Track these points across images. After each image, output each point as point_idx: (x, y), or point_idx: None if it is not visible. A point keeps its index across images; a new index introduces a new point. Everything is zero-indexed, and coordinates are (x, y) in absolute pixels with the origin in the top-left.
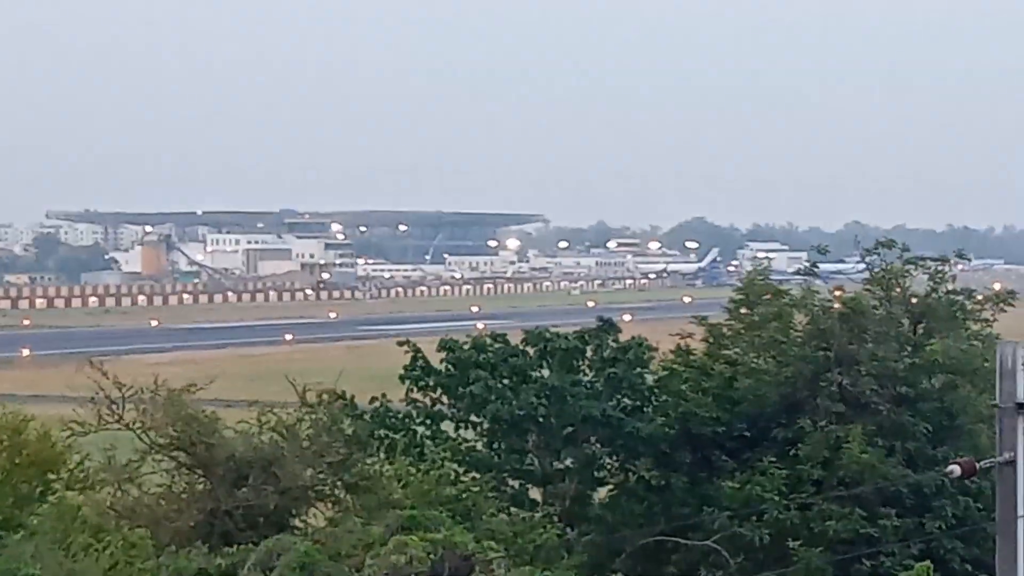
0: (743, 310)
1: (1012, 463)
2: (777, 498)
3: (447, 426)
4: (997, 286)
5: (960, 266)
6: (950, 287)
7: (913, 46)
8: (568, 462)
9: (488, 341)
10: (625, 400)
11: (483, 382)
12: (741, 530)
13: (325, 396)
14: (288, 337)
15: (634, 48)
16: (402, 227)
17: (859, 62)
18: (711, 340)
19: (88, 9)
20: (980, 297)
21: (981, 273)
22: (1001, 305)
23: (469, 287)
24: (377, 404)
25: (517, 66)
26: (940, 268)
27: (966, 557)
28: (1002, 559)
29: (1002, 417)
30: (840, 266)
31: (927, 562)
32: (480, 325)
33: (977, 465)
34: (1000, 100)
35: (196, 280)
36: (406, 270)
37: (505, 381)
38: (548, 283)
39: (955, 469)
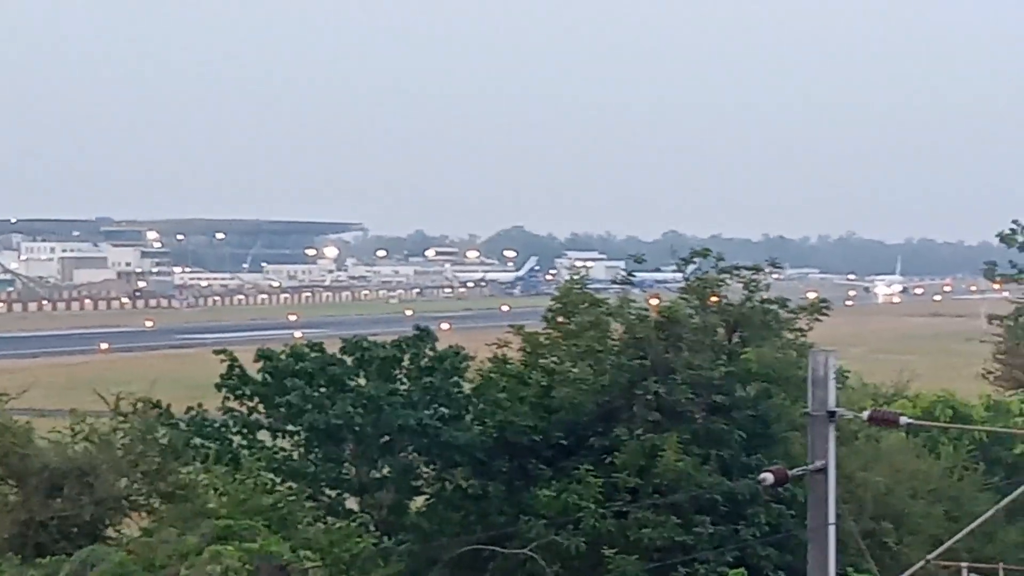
0: (560, 319)
1: (823, 471)
2: (593, 506)
3: (264, 435)
4: (812, 295)
5: (775, 275)
6: (764, 296)
7: (729, 61)
8: (385, 471)
9: (305, 350)
10: (442, 409)
11: (300, 391)
12: (557, 538)
13: (140, 405)
14: (104, 346)
15: (448, 55)
16: (220, 235)
17: (678, 75)
18: (528, 349)
19: None
20: (795, 306)
21: (796, 282)
22: (815, 314)
23: (287, 296)
24: (193, 413)
25: (331, 74)
26: (754, 277)
27: (779, 564)
28: (813, 565)
29: (813, 425)
30: (657, 275)
31: (741, 569)
32: (298, 334)
33: (789, 473)
34: (812, 115)
35: (10, 288)
36: (224, 279)
37: (322, 390)
38: (367, 292)
39: (767, 477)
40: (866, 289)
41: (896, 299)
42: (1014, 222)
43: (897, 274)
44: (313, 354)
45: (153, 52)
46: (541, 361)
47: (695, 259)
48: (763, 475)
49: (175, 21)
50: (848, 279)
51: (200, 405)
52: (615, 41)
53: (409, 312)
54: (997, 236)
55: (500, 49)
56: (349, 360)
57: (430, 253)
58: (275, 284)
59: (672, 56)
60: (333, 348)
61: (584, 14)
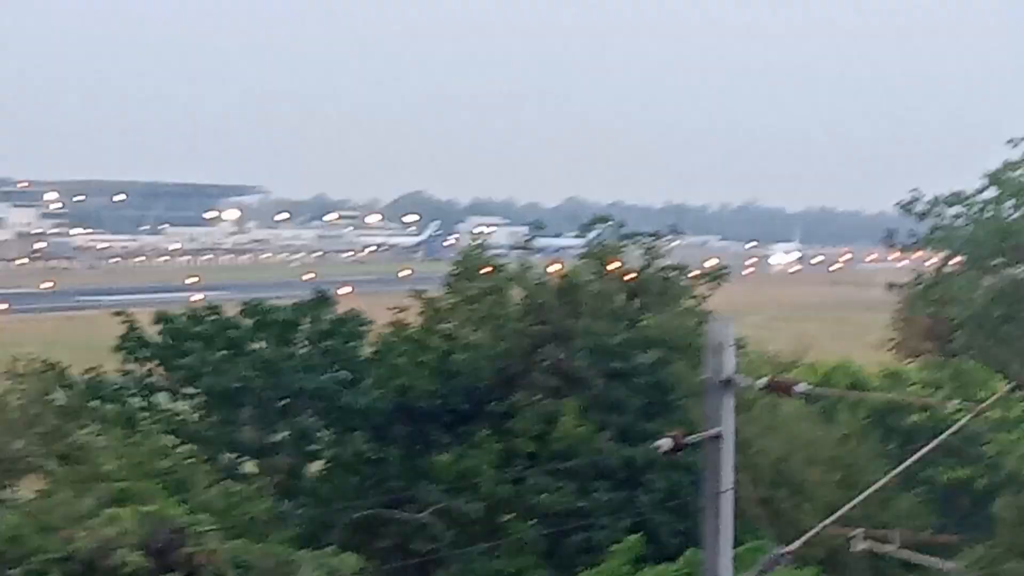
0: (460, 284)
1: (719, 438)
2: (491, 471)
3: (162, 398)
4: (712, 262)
5: (676, 242)
6: (664, 263)
7: (634, 26)
8: (283, 435)
9: (204, 313)
10: (341, 373)
11: (198, 354)
12: (455, 503)
13: (36, 366)
14: (2, 307)
15: (350, 15)
16: (119, 197)
17: (579, 40)
18: (428, 314)
19: None
20: (695, 273)
21: (697, 250)
22: (714, 281)
23: (187, 258)
24: (90, 376)
25: (232, 34)
26: (654, 244)
27: (676, 529)
28: (709, 532)
29: (710, 392)
30: (558, 241)
31: (638, 534)
32: (197, 297)
33: (686, 439)
34: (714, 84)
35: None
36: (123, 241)
37: (220, 353)
38: (267, 255)
39: (664, 443)
40: (761, 257)
41: (793, 268)
42: (913, 191)
43: (795, 242)
44: (212, 317)
45: (47, 9)
46: (441, 326)
47: (595, 225)
48: (660, 441)
49: None
50: (749, 247)
51: (99, 367)
52: (522, 7)
53: (310, 276)
54: (896, 205)
55: (400, 9)
56: (248, 323)
57: (331, 217)
58: (175, 247)
59: (576, 23)
60: (233, 312)
61: None
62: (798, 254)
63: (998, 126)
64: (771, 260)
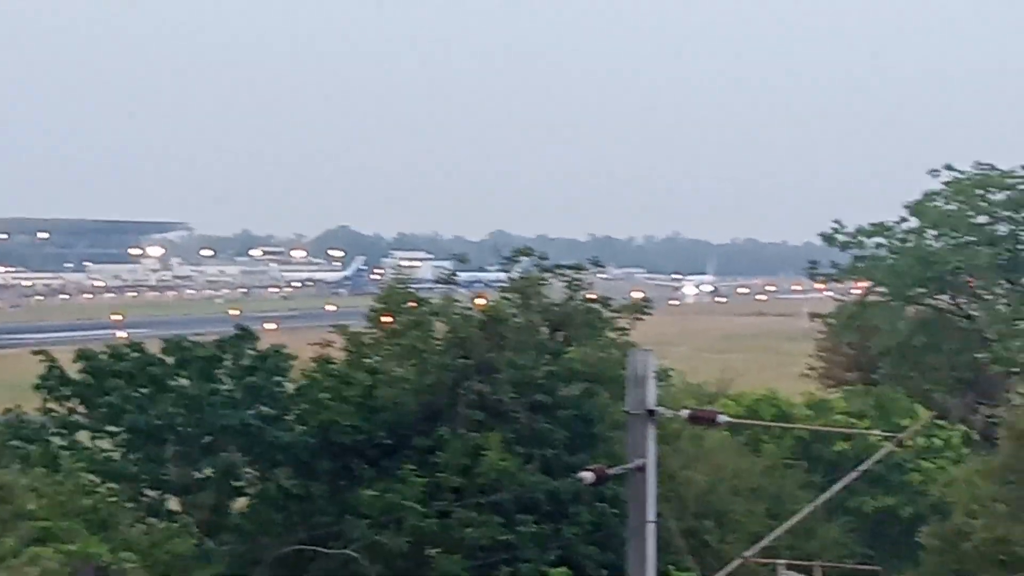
0: (384, 318)
1: (643, 469)
2: (416, 506)
3: (84, 436)
4: (637, 295)
5: (600, 275)
6: (587, 295)
7: (553, 61)
8: (207, 471)
9: (126, 350)
10: (264, 409)
11: (120, 391)
12: (380, 538)
13: None
14: None
15: (270, 50)
16: (42, 235)
17: (502, 75)
18: (352, 349)
19: None
20: (618, 306)
21: (622, 282)
22: (636, 313)
23: (111, 295)
24: (11, 415)
25: (156, 75)
26: (577, 276)
27: (602, 562)
28: (633, 563)
29: (633, 424)
30: (482, 275)
31: (564, 568)
32: (121, 334)
33: (608, 471)
34: (636, 116)
35: None
36: (47, 278)
37: (143, 390)
38: (192, 291)
39: (587, 476)
40: (674, 289)
41: (706, 299)
42: (835, 222)
43: (710, 274)
44: (134, 354)
45: None
46: (365, 361)
47: (519, 258)
48: (583, 474)
49: None
50: (674, 279)
51: (19, 406)
52: (440, 37)
53: (234, 312)
54: (820, 236)
55: (322, 43)
56: (171, 360)
57: (256, 252)
58: (99, 284)
59: (496, 55)
60: (156, 348)
61: (407, 11)
62: (710, 287)
63: (920, 157)
64: (684, 291)
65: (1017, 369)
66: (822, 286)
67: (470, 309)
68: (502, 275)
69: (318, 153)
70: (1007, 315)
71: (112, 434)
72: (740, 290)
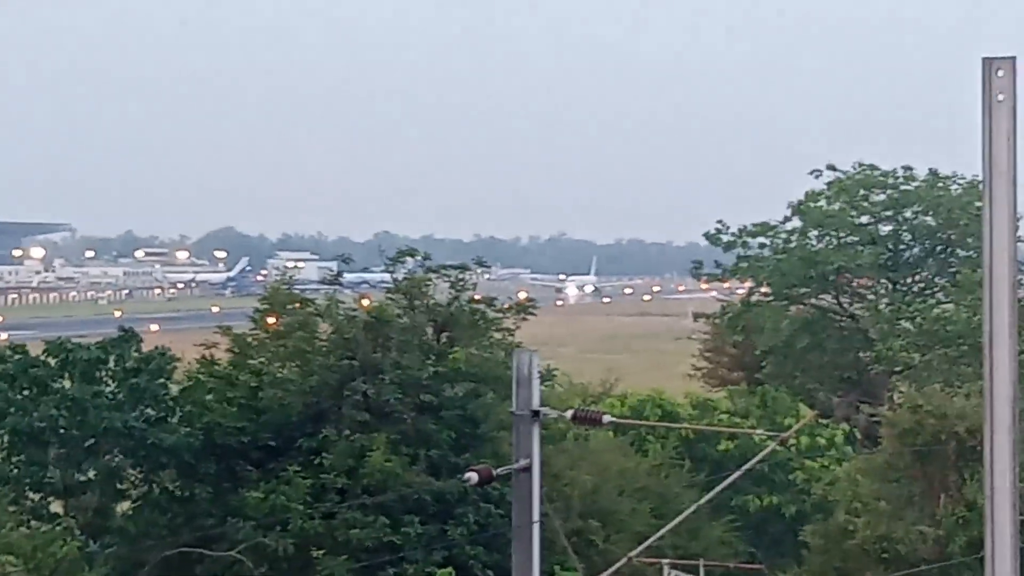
0: (268, 320)
1: (528, 469)
2: (301, 507)
3: None
4: (522, 295)
5: (485, 275)
6: (472, 296)
7: (441, 60)
8: (90, 474)
9: (7, 352)
10: (148, 411)
11: (2, 394)
12: (265, 540)
13: None
14: None
15: (160, 43)
16: None
17: (390, 72)
18: (236, 350)
19: None
20: (504, 306)
21: (508, 282)
22: (521, 314)
23: None
24: None
25: (39, 70)
26: (461, 277)
27: (488, 563)
28: (517, 564)
29: (518, 424)
30: (367, 275)
31: (449, 568)
32: (2, 336)
33: (494, 472)
34: (521, 116)
35: None
36: None
37: (25, 393)
38: (75, 293)
39: (472, 476)
40: (557, 289)
41: (588, 299)
42: (719, 222)
43: (592, 274)
44: (16, 356)
45: None
46: (249, 362)
47: (403, 259)
48: (468, 474)
49: None
50: (560, 279)
51: None
52: (337, 32)
53: (118, 313)
54: (704, 236)
55: (211, 40)
56: (53, 362)
57: (139, 254)
58: None
59: (386, 52)
60: (38, 350)
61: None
62: (591, 287)
63: (805, 157)
64: (567, 292)
65: (899, 368)
66: (707, 286)
67: (355, 310)
68: (387, 275)
69: (202, 153)
70: (889, 315)
71: None
72: (626, 290)
